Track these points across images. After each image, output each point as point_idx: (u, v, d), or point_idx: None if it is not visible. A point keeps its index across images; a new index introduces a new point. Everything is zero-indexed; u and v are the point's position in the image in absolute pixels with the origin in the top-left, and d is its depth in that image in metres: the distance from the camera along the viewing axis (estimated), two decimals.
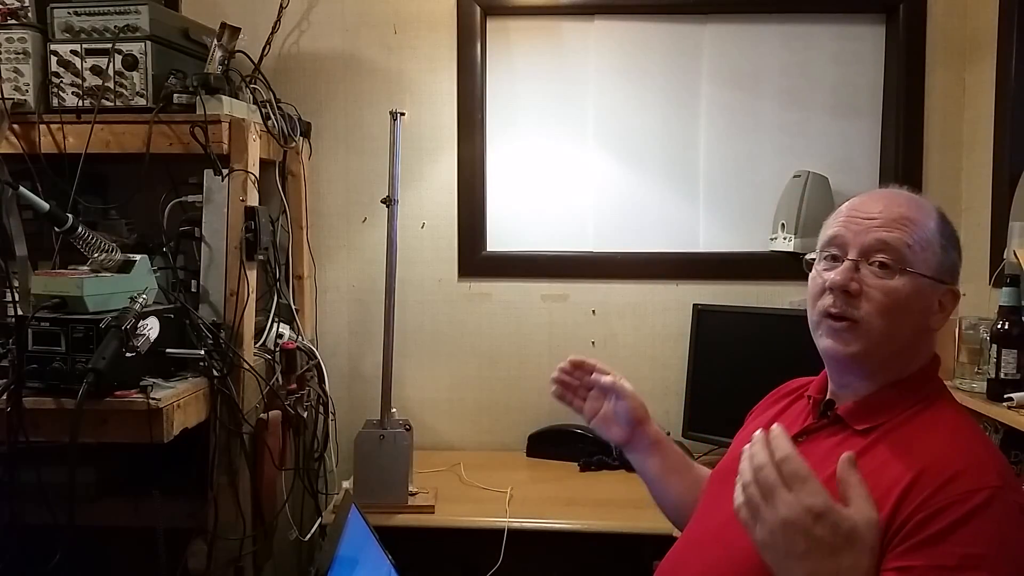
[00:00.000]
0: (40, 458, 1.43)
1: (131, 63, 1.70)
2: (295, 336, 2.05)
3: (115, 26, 1.71)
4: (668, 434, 1.40)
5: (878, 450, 0.99)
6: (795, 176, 2.12)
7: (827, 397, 1.11)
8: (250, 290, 1.76)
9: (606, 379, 1.33)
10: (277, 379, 1.89)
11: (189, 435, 1.57)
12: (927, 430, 0.99)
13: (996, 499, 0.87)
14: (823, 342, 1.07)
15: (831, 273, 1.04)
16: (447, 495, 1.92)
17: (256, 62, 2.04)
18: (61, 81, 1.72)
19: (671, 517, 1.37)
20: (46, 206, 1.52)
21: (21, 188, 1.52)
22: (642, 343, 2.29)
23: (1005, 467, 0.95)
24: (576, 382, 1.35)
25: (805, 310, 1.09)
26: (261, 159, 1.84)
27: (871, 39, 2.23)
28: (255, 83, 1.95)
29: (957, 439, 0.97)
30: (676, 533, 1.30)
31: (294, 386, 1.94)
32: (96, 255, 1.60)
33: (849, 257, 1.03)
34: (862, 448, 1.00)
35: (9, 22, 1.72)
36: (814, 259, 1.10)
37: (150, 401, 1.45)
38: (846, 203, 1.10)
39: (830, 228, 1.08)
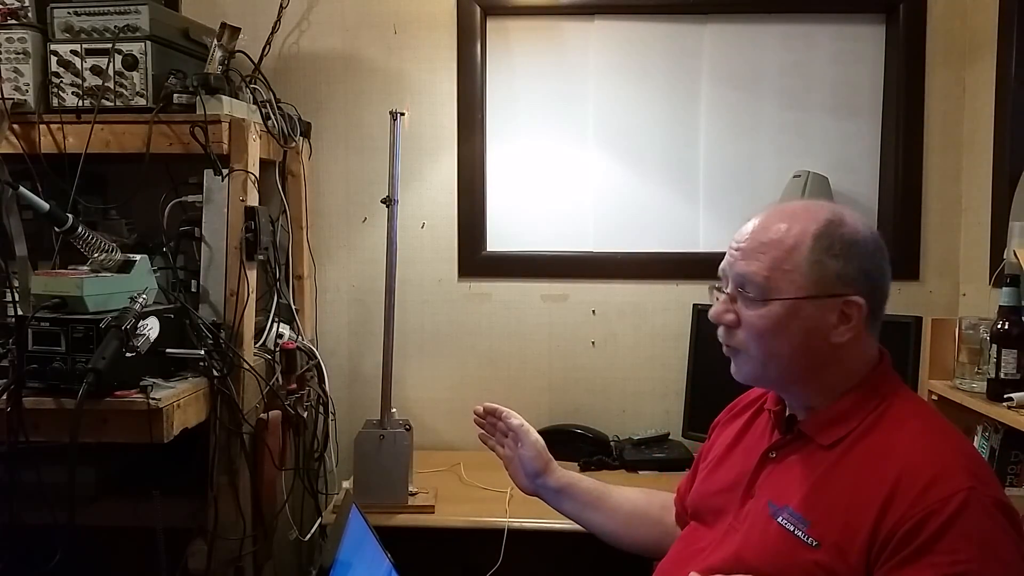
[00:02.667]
0: (40, 458, 1.43)
1: (131, 63, 1.70)
2: (295, 336, 2.05)
3: (115, 26, 1.71)
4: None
5: (847, 464, 0.99)
6: (795, 176, 2.12)
7: (787, 412, 1.12)
8: (250, 290, 1.76)
9: (513, 421, 1.40)
10: (277, 379, 1.89)
11: (189, 435, 1.57)
12: (892, 436, 0.99)
13: (971, 501, 0.89)
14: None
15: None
16: (447, 495, 1.92)
17: (256, 62, 2.04)
18: (61, 81, 1.72)
19: (611, 543, 1.40)
20: (46, 206, 1.52)
21: (21, 188, 1.52)
22: (642, 343, 2.29)
23: (973, 461, 0.96)
24: (490, 426, 1.44)
25: None
26: (261, 159, 1.84)
27: (871, 39, 2.23)
28: (255, 83, 1.95)
29: (923, 442, 0.97)
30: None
31: (294, 386, 1.94)
32: (96, 255, 1.60)
33: (726, 290, 1.07)
34: (830, 463, 1.01)
35: (9, 22, 1.72)
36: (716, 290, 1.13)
37: (150, 401, 1.45)
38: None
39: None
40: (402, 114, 1.91)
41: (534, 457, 1.38)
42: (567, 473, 1.41)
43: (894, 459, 0.95)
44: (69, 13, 1.73)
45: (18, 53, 1.71)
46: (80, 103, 1.72)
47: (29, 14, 1.74)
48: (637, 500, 1.40)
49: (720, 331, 1.09)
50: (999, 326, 1.61)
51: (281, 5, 2.19)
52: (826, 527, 0.95)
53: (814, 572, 0.94)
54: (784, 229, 1.03)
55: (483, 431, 1.46)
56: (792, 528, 0.98)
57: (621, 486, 1.44)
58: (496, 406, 1.44)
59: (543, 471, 1.39)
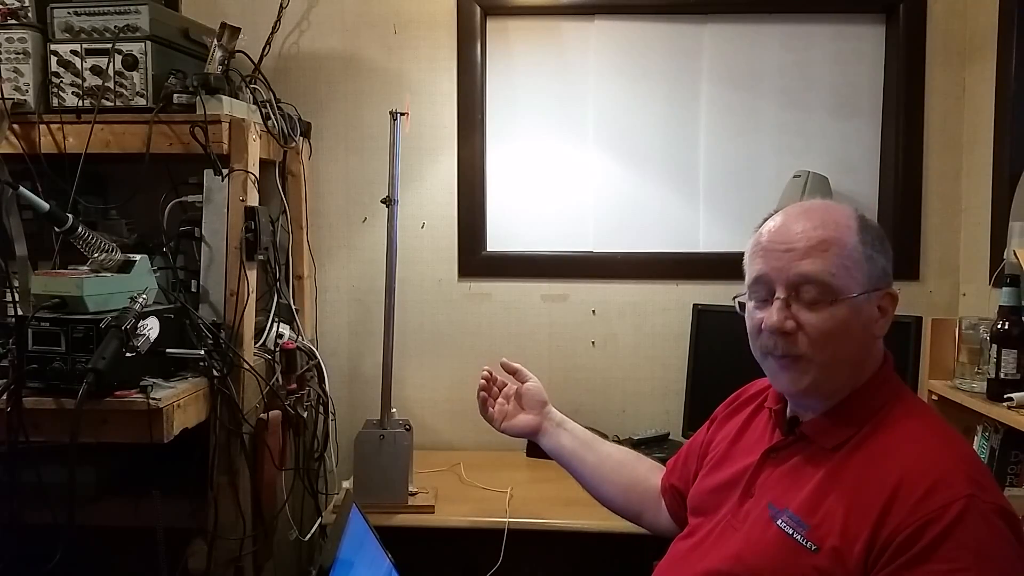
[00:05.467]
0: (40, 458, 1.43)
1: (131, 63, 1.70)
2: (295, 336, 2.05)
3: (115, 26, 1.71)
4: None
5: (849, 468, 0.99)
6: (795, 176, 2.12)
7: (789, 413, 1.12)
8: (250, 290, 1.75)
9: (513, 364, 1.49)
10: (277, 379, 1.89)
11: (189, 435, 1.57)
12: (893, 440, 0.99)
13: (971, 508, 0.88)
14: (774, 380, 1.09)
15: (763, 313, 1.04)
16: (447, 495, 1.92)
17: (256, 62, 2.04)
18: (61, 81, 1.72)
19: (595, 492, 1.44)
20: (46, 206, 1.51)
21: (21, 188, 1.51)
22: (642, 343, 2.29)
23: (974, 466, 0.96)
24: (494, 388, 1.50)
25: None
26: (261, 159, 1.84)
27: (871, 39, 2.23)
28: (255, 83, 1.95)
29: (924, 447, 0.97)
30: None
31: (294, 386, 1.94)
32: (96, 255, 1.60)
33: (777, 296, 1.02)
34: (832, 466, 1.01)
35: (9, 22, 1.72)
36: (744, 298, 1.10)
37: (150, 401, 1.45)
38: (764, 229, 1.08)
39: (754, 264, 1.07)
40: (402, 114, 1.91)
41: (540, 389, 1.47)
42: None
43: (895, 464, 0.95)
44: (69, 13, 1.72)
45: (18, 53, 1.71)
46: (80, 103, 1.72)
47: (29, 14, 1.74)
48: (627, 453, 1.47)
49: (774, 341, 1.03)
50: (999, 326, 1.61)
51: (281, 5, 2.18)
52: (825, 531, 0.95)
53: None
54: (832, 231, 1.01)
55: (485, 393, 1.50)
56: (791, 531, 0.98)
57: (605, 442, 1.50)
58: (505, 360, 1.51)
59: (547, 403, 1.47)
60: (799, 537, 0.97)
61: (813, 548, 0.95)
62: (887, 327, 1.04)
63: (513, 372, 1.50)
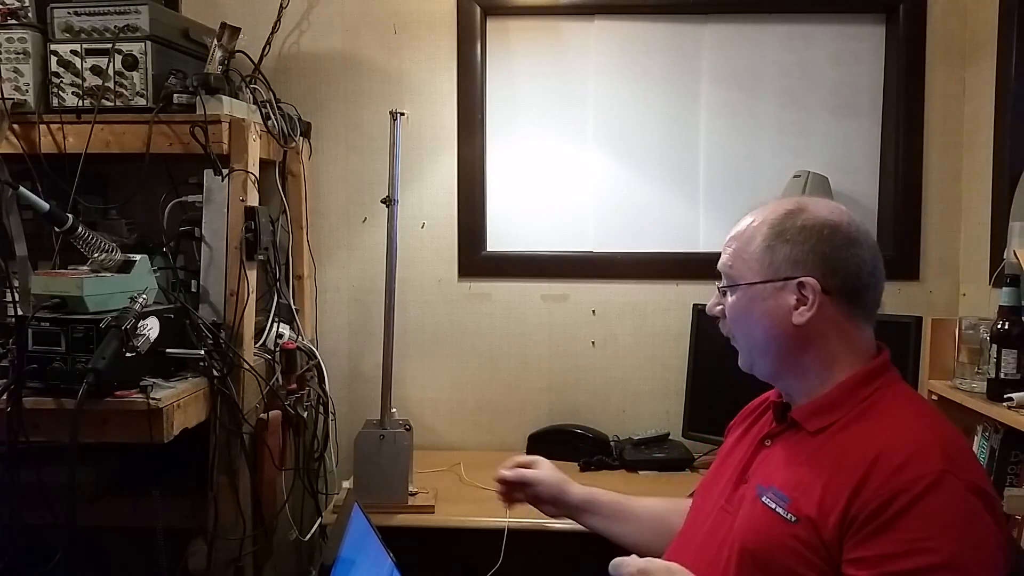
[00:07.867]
0: (40, 458, 1.43)
1: (131, 63, 1.70)
2: (295, 336, 2.05)
3: (115, 26, 1.71)
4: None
5: (830, 450, 1.02)
6: (795, 176, 2.12)
7: (784, 401, 1.15)
8: (250, 290, 1.75)
9: (506, 472, 1.36)
10: (277, 379, 1.89)
11: (189, 435, 1.57)
12: (876, 422, 1.01)
13: (942, 482, 0.90)
14: None
15: None
16: (447, 495, 1.92)
17: (256, 62, 2.04)
18: (61, 81, 1.72)
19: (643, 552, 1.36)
20: (46, 206, 1.52)
21: (21, 188, 1.52)
22: (642, 343, 2.29)
23: (953, 447, 0.97)
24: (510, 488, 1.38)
25: None
26: (261, 159, 1.84)
27: (871, 39, 2.24)
28: (255, 83, 1.95)
29: (904, 426, 0.99)
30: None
31: (294, 386, 1.94)
32: (96, 255, 1.60)
33: (718, 285, 1.16)
34: (815, 447, 1.04)
35: (9, 22, 1.72)
36: None
37: (150, 401, 1.45)
38: None
39: None
40: (402, 114, 1.91)
41: (551, 483, 1.36)
42: (586, 489, 1.39)
43: (874, 441, 0.97)
44: (69, 13, 1.72)
45: (18, 53, 1.71)
46: (80, 103, 1.72)
47: (29, 14, 1.74)
48: (657, 508, 1.38)
49: (720, 324, 1.16)
50: (999, 326, 1.61)
51: (281, 5, 2.18)
52: (803, 503, 0.98)
53: (794, 546, 0.97)
54: (748, 222, 1.11)
55: (504, 492, 1.38)
56: (774, 506, 1.01)
57: (641, 497, 1.41)
58: (500, 474, 1.38)
59: (561, 493, 1.37)
60: (780, 510, 1.00)
61: (793, 519, 0.98)
62: (809, 314, 1.04)
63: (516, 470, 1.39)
